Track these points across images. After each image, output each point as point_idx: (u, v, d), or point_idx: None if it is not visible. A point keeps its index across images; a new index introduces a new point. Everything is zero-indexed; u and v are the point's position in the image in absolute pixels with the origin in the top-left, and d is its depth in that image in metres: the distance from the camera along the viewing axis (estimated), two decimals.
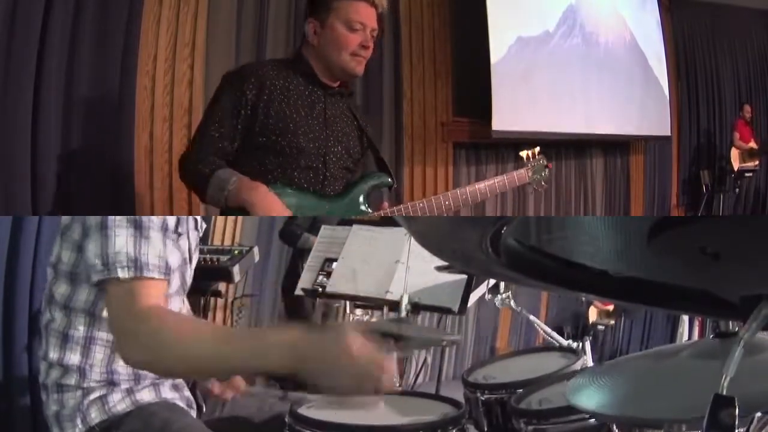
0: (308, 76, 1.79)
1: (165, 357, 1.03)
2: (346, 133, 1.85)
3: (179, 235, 1.34)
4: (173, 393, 1.39)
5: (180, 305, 1.43)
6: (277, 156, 1.73)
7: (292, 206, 1.71)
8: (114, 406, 1.29)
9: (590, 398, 0.90)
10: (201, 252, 2.49)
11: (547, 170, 2.11)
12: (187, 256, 1.43)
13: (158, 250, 1.19)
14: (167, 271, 1.20)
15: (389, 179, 1.88)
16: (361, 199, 1.84)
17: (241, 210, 1.68)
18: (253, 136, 1.72)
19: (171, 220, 1.28)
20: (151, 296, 1.13)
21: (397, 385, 1.77)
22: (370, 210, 1.87)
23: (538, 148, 2.09)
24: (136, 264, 1.15)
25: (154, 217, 1.23)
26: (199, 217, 1.51)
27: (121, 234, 1.17)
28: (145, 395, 1.33)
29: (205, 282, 2.68)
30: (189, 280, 1.46)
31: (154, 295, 1.14)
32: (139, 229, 1.19)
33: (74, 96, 2.54)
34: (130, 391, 1.32)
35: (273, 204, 1.67)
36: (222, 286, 3.17)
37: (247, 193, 1.66)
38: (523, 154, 2.08)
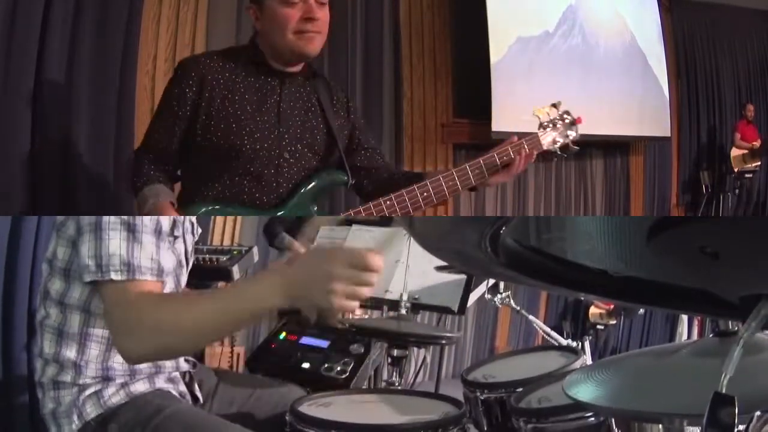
0: (259, 65, 1.60)
1: (162, 337, 1.06)
2: (307, 128, 1.63)
3: (175, 238, 1.34)
4: (168, 385, 1.40)
5: None
6: (222, 161, 1.55)
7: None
8: (109, 399, 1.29)
9: (588, 392, 0.90)
10: (200, 252, 2.49)
11: (574, 128, 1.77)
12: (183, 258, 1.43)
13: (150, 253, 1.20)
14: (160, 272, 1.21)
15: (343, 177, 1.66)
16: (309, 203, 1.63)
17: None
18: (195, 137, 1.56)
19: (166, 223, 1.29)
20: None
21: (397, 384, 1.77)
22: (315, 214, 1.68)
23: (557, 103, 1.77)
24: (129, 267, 1.16)
25: (147, 219, 1.24)
26: (195, 221, 1.51)
27: (114, 236, 1.18)
28: (140, 386, 1.34)
29: (205, 282, 2.68)
30: (183, 282, 1.47)
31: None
32: (132, 232, 1.20)
33: (74, 96, 2.54)
34: (124, 385, 1.32)
35: None
36: (221, 286, 3.17)
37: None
38: (540, 112, 1.74)
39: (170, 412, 1.28)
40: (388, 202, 1.58)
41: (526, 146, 1.69)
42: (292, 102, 1.62)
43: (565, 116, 1.79)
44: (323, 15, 1.55)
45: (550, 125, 1.76)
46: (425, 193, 1.59)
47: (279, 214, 1.61)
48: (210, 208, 1.56)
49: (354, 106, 1.76)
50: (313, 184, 1.63)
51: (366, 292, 1.00)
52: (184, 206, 1.56)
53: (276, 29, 1.54)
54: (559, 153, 1.78)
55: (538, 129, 1.76)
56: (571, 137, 1.78)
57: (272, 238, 3.39)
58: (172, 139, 1.57)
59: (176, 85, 1.56)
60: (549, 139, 1.76)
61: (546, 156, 1.78)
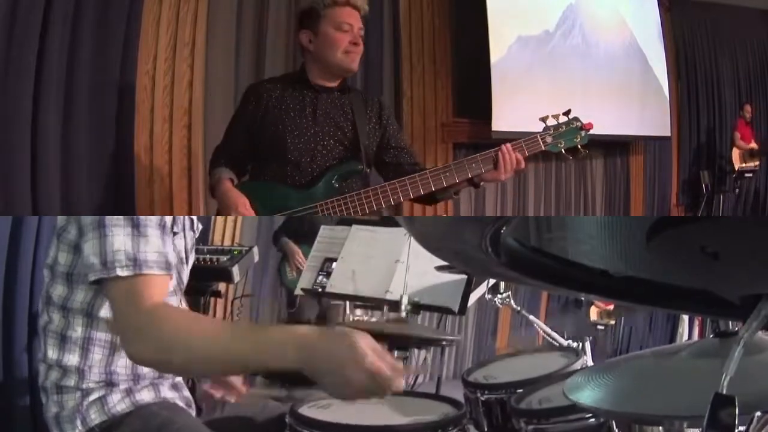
0: (302, 82, 2.03)
1: (172, 354, 1.03)
2: (340, 128, 2.01)
3: (174, 234, 1.34)
4: (173, 393, 1.39)
5: (176, 305, 1.42)
6: (270, 152, 1.99)
7: (260, 198, 1.93)
8: (114, 406, 1.29)
9: (589, 395, 0.90)
10: (201, 252, 2.49)
11: (582, 133, 1.95)
12: (183, 255, 1.43)
13: (157, 246, 1.19)
14: (168, 266, 1.20)
15: (359, 166, 1.98)
16: (332, 185, 1.96)
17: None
18: (255, 140, 2.02)
19: (166, 220, 1.28)
20: (154, 293, 1.13)
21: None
22: (338, 194, 1.93)
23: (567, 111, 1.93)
24: (136, 262, 1.15)
25: (149, 216, 1.23)
26: (194, 218, 1.52)
27: (118, 233, 1.17)
28: (145, 395, 1.33)
29: (205, 282, 2.68)
30: (185, 279, 1.46)
31: (157, 292, 1.14)
32: (136, 227, 1.19)
33: (74, 96, 2.54)
34: (129, 392, 1.31)
35: (229, 199, 1.92)
36: (222, 287, 3.16)
37: (215, 189, 1.97)
38: (544, 118, 1.92)
39: (177, 428, 1.27)
40: (364, 195, 1.89)
41: (524, 146, 1.92)
42: (327, 109, 2.02)
43: (574, 122, 1.94)
44: (362, 41, 2.01)
45: (553, 129, 1.94)
46: (403, 186, 1.89)
47: (308, 192, 1.94)
48: (258, 183, 2.02)
49: (389, 113, 2.13)
50: (333, 170, 1.98)
51: (379, 395, 0.97)
52: (246, 183, 2.04)
53: (329, 49, 1.96)
54: (564, 153, 1.95)
55: (541, 131, 1.94)
56: (578, 141, 1.94)
57: (276, 241, 3.49)
58: (238, 142, 2.05)
59: (242, 104, 2.07)
60: (550, 140, 1.93)
61: (548, 156, 1.88)
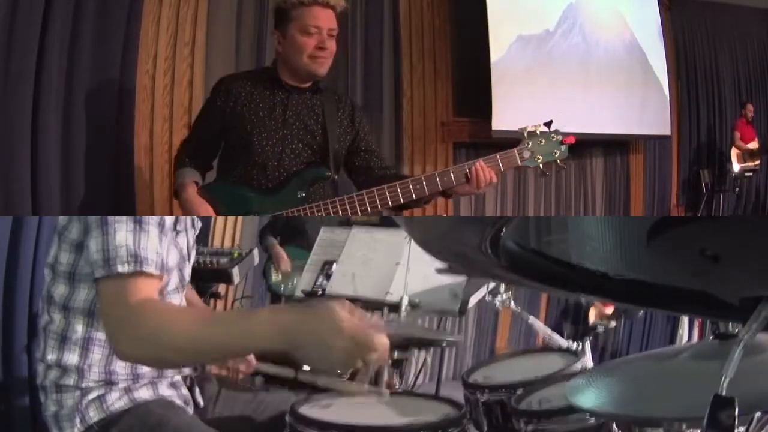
0: (274, 81, 1.97)
1: (158, 347, 1.04)
2: (308, 131, 1.96)
3: (177, 232, 1.36)
4: (171, 391, 1.40)
5: (179, 302, 1.43)
6: (236, 153, 1.96)
7: (224, 201, 1.92)
8: (112, 404, 1.29)
9: (590, 398, 0.90)
10: (201, 254, 2.49)
11: (563, 147, 1.89)
12: (186, 253, 1.44)
13: (156, 246, 1.21)
14: (163, 267, 1.21)
15: (327, 172, 1.94)
16: (298, 190, 1.92)
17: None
18: (222, 137, 1.99)
19: (168, 219, 1.30)
20: (143, 291, 1.14)
21: (397, 386, 1.78)
22: (302, 202, 1.90)
23: (548, 122, 1.89)
24: (136, 259, 1.16)
25: (151, 216, 1.25)
26: (195, 217, 1.53)
27: (120, 229, 1.19)
28: (143, 393, 1.34)
29: (205, 284, 2.68)
30: (187, 276, 1.47)
31: (147, 291, 1.15)
32: (138, 223, 1.21)
33: (74, 96, 2.54)
34: (127, 390, 1.32)
35: (191, 207, 1.90)
36: (222, 288, 3.17)
37: (179, 193, 1.95)
38: (527, 130, 1.88)
39: (174, 425, 1.28)
40: (349, 200, 1.86)
41: (500, 162, 1.88)
42: (297, 110, 1.96)
43: (554, 136, 1.88)
44: (331, 45, 1.91)
45: (531, 143, 1.88)
46: (381, 196, 1.86)
47: (273, 197, 1.91)
48: (223, 186, 1.97)
49: (361, 115, 2.06)
50: (300, 174, 1.94)
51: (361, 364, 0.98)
52: (211, 185, 2.00)
53: (295, 53, 1.90)
54: (541, 168, 1.90)
55: (519, 146, 1.90)
56: (557, 155, 1.88)
57: (262, 240, 3.48)
58: (204, 139, 2.01)
59: (211, 99, 2.00)
60: (527, 155, 1.88)
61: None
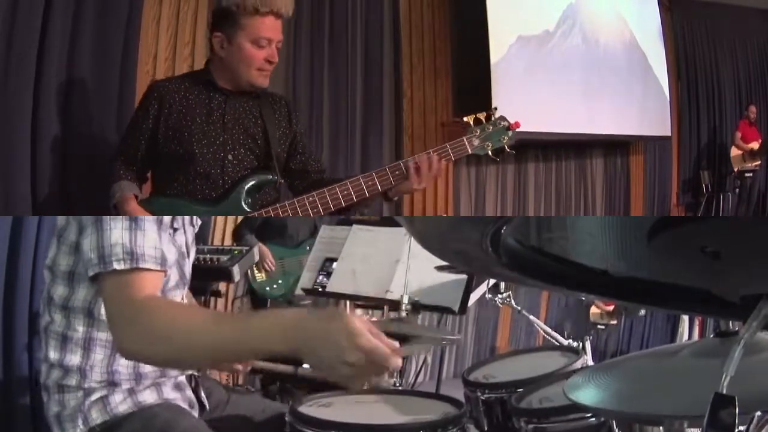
0: (209, 84, 1.88)
1: (162, 346, 1.01)
2: (249, 135, 1.89)
3: (175, 230, 1.35)
4: (175, 393, 1.39)
5: (180, 299, 1.43)
6: (176, 163, 1.85)
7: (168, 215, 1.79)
8: (116, 407, 1.29)
9: (589, 395, 0.90)
10: (201, 252, 2.49)
11: (509, 133, 1.88)
12: (185, 250, 1.43)
13: (154, 241, 1.19)
14: (163, 262, 1.20)
15: (269, 177, 1.88)
16: (244, 198, 1.84)
17: None
18: (157, 146, 1.87)
19: (165, 218, 1.30)
20: (147, 287, 1.13)
21: (397, 384, 1.77)
22: (249, 210, 1.84)
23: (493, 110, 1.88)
24: (133, 256, 1.15)
25: (146, 216, 1.24)
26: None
27: (116, 227, 1.18)
28: (147, 396, 1.33)
29: (205, 282, 2.68)
30: (188, 273, 1.47)
31: (150, 286, 1.14)
32: (134, 221, 1.20)
33: (74, 95, 2.54)
34: (131, 392, 1.31)
35: None
36: (222, 286, 3.17)
37: (120, 208, 1.79)
38: (469, 118, 1.86)
39: (180, 430, 1.27)
40: (299, 202, 1.81)
41: (450, 151, 1.85)
42: (236, 114, 1.89)
43: (500, 122, 1.88)
44: (276, 57, 1.86)
45: (479, 131, 1.87)
46: (333, 196, 1.81)
47: (218, 207, 1.85)
48: (165, 200, 1.85)
49: (297, 117, 2.02)
50: (245, 181, 1.86)
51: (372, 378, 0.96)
52: (152, 199, 1.88)
53: (242, 64, 1.82)
54: (491, 155, 1.89)
55: (467, 135, 1.87)
56: (505, 141, 1.88)
57: (240, 238, 3.39)
58: (138, 148, 1.89)
59: (142, 105, 1.90)
60: (477, 143, 1.86)
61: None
